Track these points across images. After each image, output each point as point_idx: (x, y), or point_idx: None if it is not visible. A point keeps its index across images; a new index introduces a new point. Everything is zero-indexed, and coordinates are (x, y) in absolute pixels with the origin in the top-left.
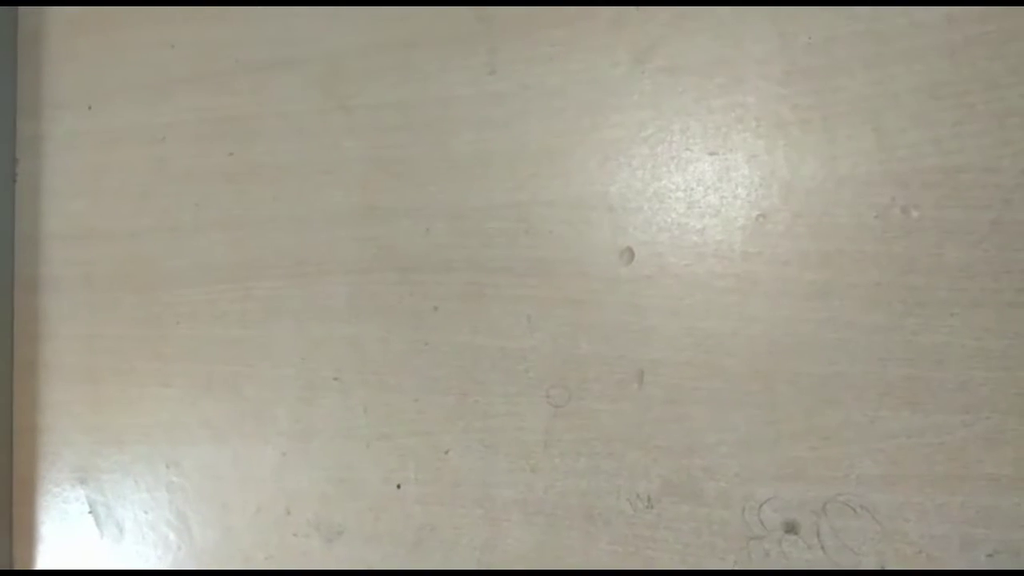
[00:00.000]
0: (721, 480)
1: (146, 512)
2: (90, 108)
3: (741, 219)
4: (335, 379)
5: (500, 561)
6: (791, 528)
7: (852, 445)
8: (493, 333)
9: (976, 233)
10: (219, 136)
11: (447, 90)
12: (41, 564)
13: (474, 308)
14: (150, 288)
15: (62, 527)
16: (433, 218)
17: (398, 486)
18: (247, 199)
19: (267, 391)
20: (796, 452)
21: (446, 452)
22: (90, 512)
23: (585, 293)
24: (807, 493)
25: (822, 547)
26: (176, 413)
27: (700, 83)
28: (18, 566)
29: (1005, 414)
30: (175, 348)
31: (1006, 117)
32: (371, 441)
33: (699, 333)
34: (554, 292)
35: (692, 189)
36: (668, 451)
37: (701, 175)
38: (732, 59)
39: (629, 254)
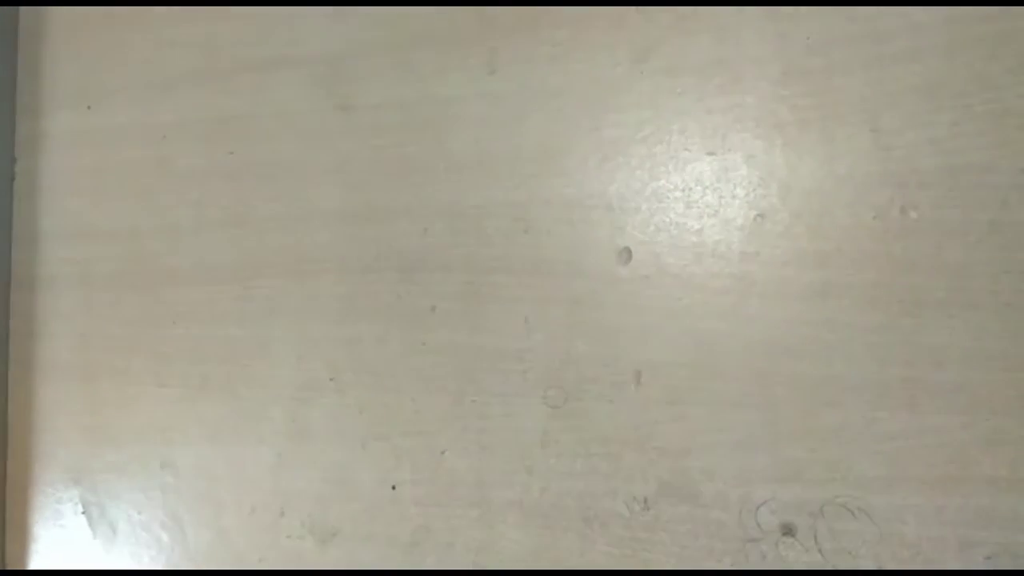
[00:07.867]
0: (718, 482)
1: (139, 512)
2: (89, 107)
3: (739, 219)
4: (331, 379)
5: (496, 563)
6: (788, 530)
7: (850, 446)
8: (491, 333)
9: (974, 233)
10: (219, 135)
11: (447, 90)
12: (34, 564)
13: (472, 308)
14: (148, 287)
15: (55, 527)
16: (431, 218)
17: (393, 487)
18: (247, 198)
19: (263, 391)
20: (794, 453)
21: (442, 453)
22: (83, 512)
23: (583, 293)
24: (804, 495)
25: (819, 549)
26: (171, 413)
27: (699, 83)
28: (11, 566)
29: (1004, 415)
30: (172, 348)
31: (1004, 117)
32: (367, 441)
33: (697, 334)
34: (552, 292)
35: (690, 189)
36: (665, 452)
37: (699, 175)
38: (731, 60)
39: (627, 254)
